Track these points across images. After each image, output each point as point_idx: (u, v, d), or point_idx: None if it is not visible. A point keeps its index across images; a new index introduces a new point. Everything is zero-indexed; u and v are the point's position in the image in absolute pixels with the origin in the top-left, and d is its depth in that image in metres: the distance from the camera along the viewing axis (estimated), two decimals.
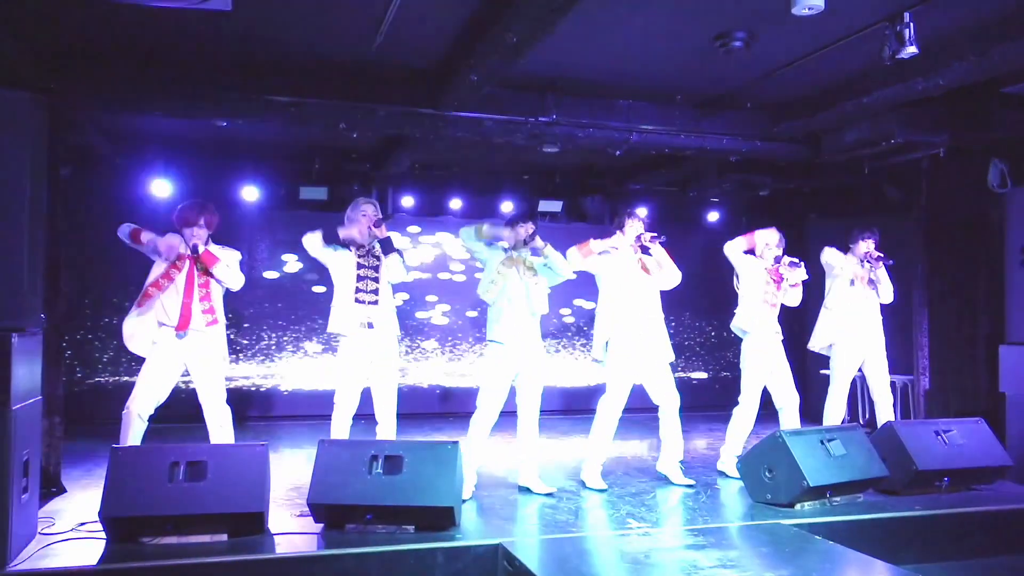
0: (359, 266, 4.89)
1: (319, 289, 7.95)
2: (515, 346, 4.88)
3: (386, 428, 4.91)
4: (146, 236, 4.75)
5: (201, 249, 4.74)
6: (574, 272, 5.14)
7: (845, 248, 5.86)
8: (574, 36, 4.67)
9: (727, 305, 6.05)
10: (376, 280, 4.91)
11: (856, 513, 4.47)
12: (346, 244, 4.94)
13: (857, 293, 5.73)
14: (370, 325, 4.84)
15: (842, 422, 5.72)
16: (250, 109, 5.37)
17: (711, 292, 8.25)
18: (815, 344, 5.88)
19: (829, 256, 5.80)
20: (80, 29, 4.64)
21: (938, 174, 6.69)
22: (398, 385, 5.02)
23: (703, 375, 9.44)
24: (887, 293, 5.76)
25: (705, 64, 5.18)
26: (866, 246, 5.72)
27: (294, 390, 8.20)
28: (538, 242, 4.93)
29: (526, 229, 4.96)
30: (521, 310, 4.91)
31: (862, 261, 5.73)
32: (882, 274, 5.72)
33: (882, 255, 5.66)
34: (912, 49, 4.21)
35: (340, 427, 4.83)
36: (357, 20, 4.48)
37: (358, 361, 4.83)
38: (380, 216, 4.97)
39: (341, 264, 4.91)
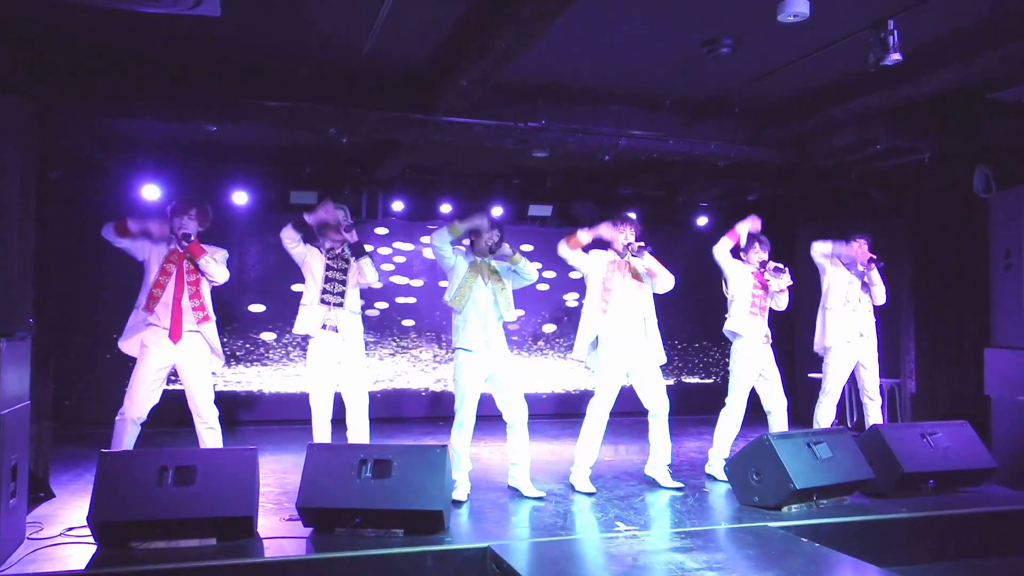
0: (327, 267, 5.05)
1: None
2: (483, 352, 4.90)
3: (357, 433, 4.96)
4: (135, 225, 4.76)
5: (191, 238, 4.75)
6: (570, 264, 5.23)
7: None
8: (564, 42, 4.69)
9: (716, 309, 6.08)
10: (343, 283, 5.07)
11: (842, 515, 4.51)
12: (317, 236, 5.06)
13: (852, 295, 5.77)
14: (334, 328, 4.94)
15: (831, 425, 5.76)
16: (240, 113, 5.37)
17: (700, 296, 8.27)
18: (821, 343, 5.87)
19: (818, 250, 5.82)
20: (69, 35, 4.64)
21: (924, 179, 6.76)
22: (385, 389, 5.09)
23: (692, 379, 9.48)
24: (880, 295, 5.81)
25: (693, 70, 5.22)
26: (859, 247, 5.78)
27: (280, 393, 8.20)
28: (506, 249, 4.99)
29: (491, 237, 4.99)
30: (488, 316, 4.93)
31: (854, 262, 5.78)
32: (875, 276, 5.77)
33: (875, 257, 5.70)
34: (896, 56, 4.26)
35: (320, 430, 4.92)
36: (347, 25, 4.50)
37: (325, 363, 4.96)
38: (350, 221, 5.09)
39: (311, 263, 5.05)
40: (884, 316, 6.10)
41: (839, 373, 5.76)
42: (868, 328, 5.79)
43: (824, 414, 5.75)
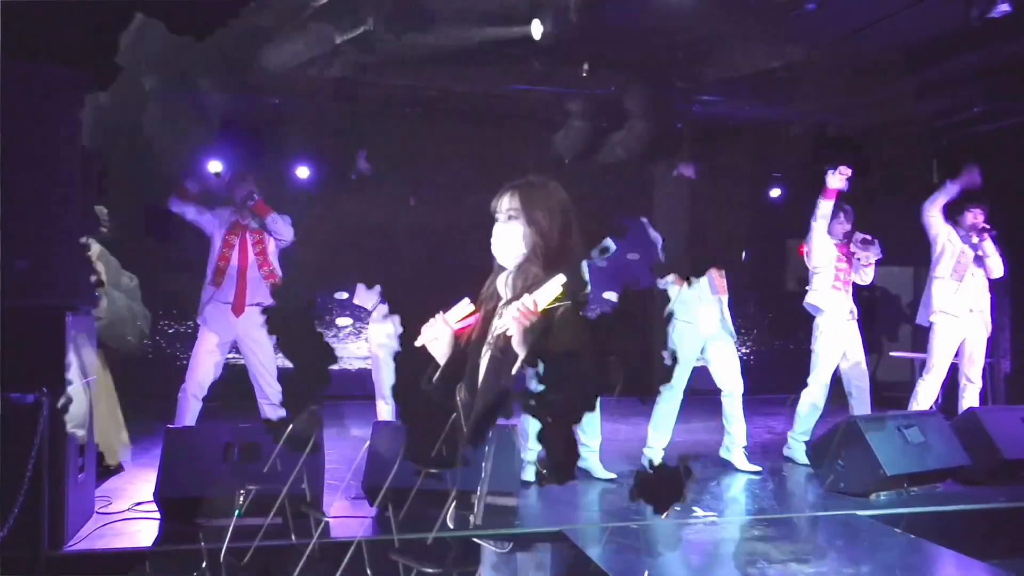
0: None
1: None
2: None
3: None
4: (194, 185, 4.87)
5: (256, 197, 4.77)
6: None
7: (952, 221, 5.48)
8: None
9: (785, 283, 5.77)
10: None
11: (936, 504, 4.23)
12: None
13: (963, 265, 5.36)
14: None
15: (931, 406, 5.39)
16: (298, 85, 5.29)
17: (770, 268, 7.95)
18: (924, 315, 5.50)
19: (930, 217, 5.41)
20: (125, 6, 4.57)
21: (1020, 144, 6.29)
22: None
23: (760, 357, 9.15)
24: (996, 267, 5.38)
25: (774, 30, 4.91)
26: (972, 217, 5.36)
27: (343, 370, 8.17)
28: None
29: None
30: None
31: (968, 233, 5.37)
32: (989, 247, 5.33)
33: (987, 227, 5.29)
34: (1004, 7, 3.90)
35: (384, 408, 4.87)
36: None
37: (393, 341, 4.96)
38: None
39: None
40: None
41: (944, 350, 5.37)
42: (980, 303, 5.37)
43: (925, 394, 5.37)
